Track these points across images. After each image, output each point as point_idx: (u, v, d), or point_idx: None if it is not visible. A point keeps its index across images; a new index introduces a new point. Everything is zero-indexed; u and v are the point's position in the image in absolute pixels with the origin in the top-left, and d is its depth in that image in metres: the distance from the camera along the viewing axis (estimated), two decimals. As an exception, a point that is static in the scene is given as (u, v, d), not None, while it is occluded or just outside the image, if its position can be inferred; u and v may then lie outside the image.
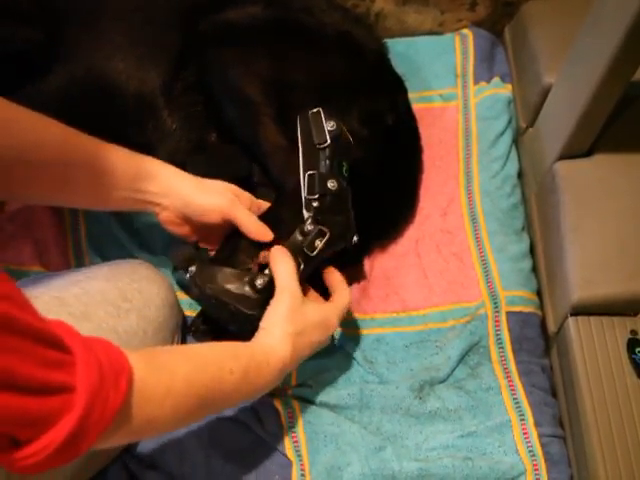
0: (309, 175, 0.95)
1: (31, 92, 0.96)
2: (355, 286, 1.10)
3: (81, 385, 0.57)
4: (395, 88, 1.15)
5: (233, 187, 0.94)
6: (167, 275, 1.00)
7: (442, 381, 1.02)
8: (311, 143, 0.96)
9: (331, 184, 0.94)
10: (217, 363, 0.77)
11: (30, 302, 0.57)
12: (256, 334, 0.86)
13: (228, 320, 0.91)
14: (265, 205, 0.97)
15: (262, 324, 0.86)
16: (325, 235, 0.92)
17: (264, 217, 0.94)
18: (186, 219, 0.92)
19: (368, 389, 1.00)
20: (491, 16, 1.31)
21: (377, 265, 1.12)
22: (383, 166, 1.10)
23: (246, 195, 0.96)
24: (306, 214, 0.93)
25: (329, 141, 0.95)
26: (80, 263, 1.09)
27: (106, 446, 0.65)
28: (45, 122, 0.82)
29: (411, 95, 1.19)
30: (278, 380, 0.85)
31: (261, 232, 0.91)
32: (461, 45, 1.28)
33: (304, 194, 0.94)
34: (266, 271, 0.89)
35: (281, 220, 0.94)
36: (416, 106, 1.20)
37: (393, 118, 1.10)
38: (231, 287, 0.88)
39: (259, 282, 0.88)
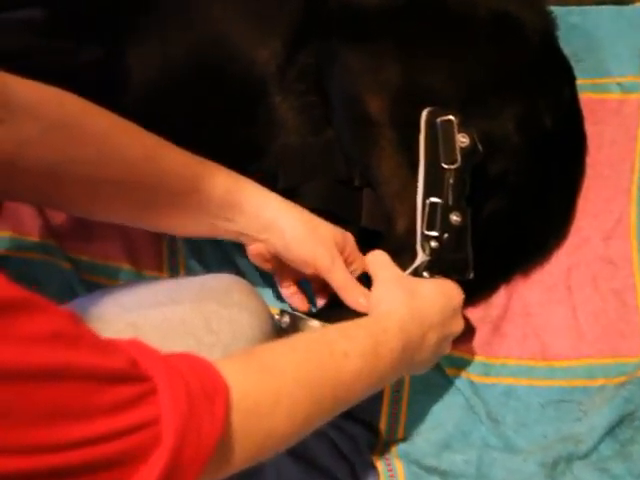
0: (430, 204, 0.79)
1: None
2: (486, 321, 0.92)
3: (167, 414, 0.49)
4: (560, 78, 0.94)
5: (339, 233, 0.81)
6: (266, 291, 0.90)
7: (582, 457, 0.84)
8: (436, 162, 0.79)
9: (455, 218, 0.79)
10: (327, 348, 0.66)
11: (85, 329, 0.49)
12: None
13: None
14: (360, 259, 0.82)
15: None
16: None
17: None
18: (276, 257, 0.81)
19: (489, 456, 0.84)
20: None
21: (516, 297, 0.94)
22: (534, 177, 0.91)
23: (351, 243, 0.82)
24: (420, 256, 0.78)
25: (460, 161, 0.78)
26: (173, 264, 0.98)
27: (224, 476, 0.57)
28: (123, 132, 0.71)
29: (581, 82, 0.98)
30: (403, 358, 0.71)
31: (359, 304, 0.78)
32: (654, 20, 1.03)
33: (420, 228, 0.79)
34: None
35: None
36: (585, 96, 0.98)
37: (553, 119, 0.90)
38: None
39: None
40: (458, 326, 0.79)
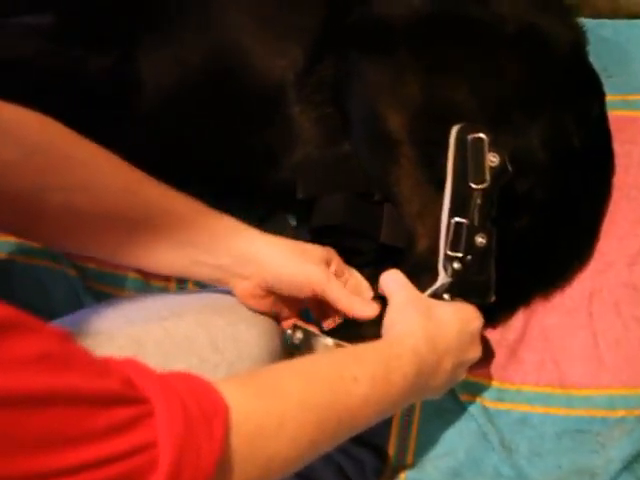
0: (456, 224, 0.75)
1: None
2: (502, 345, 0.89)
3: (163, 438, 0.47)
4: (589, 94, 0.90)
5: (323, 250, 0.77)
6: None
7: (598, 491, 0.81)
8: (464, 181, 0.76)
9: (480, 239, 0.76)
10: (336, 372, 0.63)
11: (77, 349, 0.47)
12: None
13: None
14: (354, 274, 0.79)
15: (382, 330, 0.73)
16: None
17: None
18: (270, 290, 0.76)
19: (500, 487, 0.81)
20: None
21: (535, 320, 0.90)
22: (559, 197, 0.87)
23: (336, 258, 0.79)
24: (442, 277, 0.75)
25: (488, 181, 0.74)
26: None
27: None
28: (105, 162, 0.68)
29: (611, 98, 0.93)
30: (416, 384, 0.68)
31: (363, 310, 0.75)
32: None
33: (444, 248, 0.75)
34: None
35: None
36: (614, 114, 0.94)
37: (581, 137, 0.86)
38: None
39: None
40: (475, 352, 0.76)
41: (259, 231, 0.76)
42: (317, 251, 0.77)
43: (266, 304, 0.79)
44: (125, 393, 0.47)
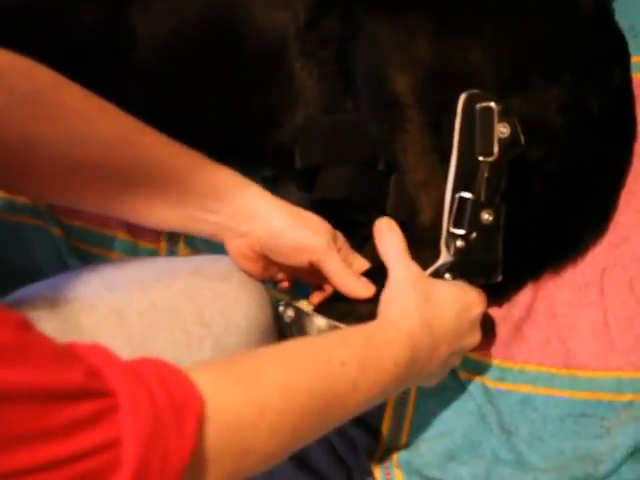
0: (460, 199, 0.71)
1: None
2: (507, 321, 0.84)
3: (128, 435, 0.44)
4: (612, 56, 0.83)
5: (329, 226, 0.74)
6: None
7: (601, 479, 0.77)
8: (470, 152, 0.70)
9: (487, 216, 0.71)
10: (322, 357, 0.60)
11: (35, 339, 0.44)
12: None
13: None
14: (358, 259, 0.76)
15: (378, 309, 0.70)
16: None
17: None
18: (262, 254, 0.73)
19: (497, 472, 0.78)
20: None
21: (543, 296, 0.85)
22: (573, 165, 0.82)
23: (341, 239, 0.75)
24: (444, 256, 0.71)
25: (497, 154, 0.69)
26: (172, 235, 0.90)
27: None
28: (99, 111, 0.65)
29: (636, 59, 0.86)
30: (409, 371, 0.65)
31: (357, 289, 0.71)
32: None
33: (446, 224, 0.71)
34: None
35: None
36: (639, 76, 0.87)
37: (601, 103, 0.79)
38: None
39: None
40: (473, 339, 0.72)
41: (263, 189, 0.73)
42: (323, 223, 0.74)
43: (257, 268, 0.76)
44: (87, 386, 0.44)
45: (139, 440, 0.43)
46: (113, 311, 0.70)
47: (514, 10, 0.76)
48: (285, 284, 0.80)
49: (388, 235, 0.73)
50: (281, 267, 0.77)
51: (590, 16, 0.80)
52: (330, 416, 0.60)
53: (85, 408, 0.42)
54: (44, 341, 0.44)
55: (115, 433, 0.43)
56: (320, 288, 0.78)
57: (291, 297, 0.79)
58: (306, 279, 0.80)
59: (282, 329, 0.74)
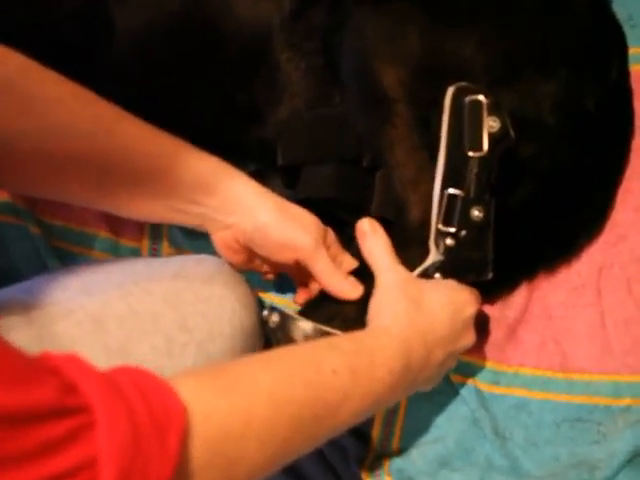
0: (449, 196, 0.69)
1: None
2: (501, 323, 0.82)
3: (105, 454, 0.42)
4: (609, 50, 0.81)
5: (319, 222, 0.72)
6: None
7: (598, 486, 0.76)
8: (459, 148, 0.69)
9: (477, 213, 0.70)
10: (312, 364, 0.58)
11: (3, 353, 0.41)
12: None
13: None
14: (348, 259, 0.74)
15: (368, 316, 0.68)
16: None
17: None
18: (247, 246, 0.72)
19: (491, 479, 0.75)
20: None
21: (538, 297, 0.83)
22: (568, 162, 0.79)
23: (331, 236, 0.74)
24: (433, 255, 0.69)
25: (486, 149, 0.67)
26: (155, 233, 0.88)
27: None
28: (74, 99, 0.63)
29: (634, 51, 0.84)
30: (404, 379, 0.63)
31: (345, 289, 0.70)
32: None
33: (435, 222, 0.69)
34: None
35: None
36: (637, 68, 0.84)
37: (596, 100, 0.77)
38: None
39: None
40: (468, 340, 0.70)
41: (250, 179, 0.71)
42: (313, 220, 0.72)
43: (241, 259, 0.75)
44: (61, 402, 0.41)
45: (117, 459, 0.41)
46: (90, 317, 0.68)
47: (508, 1, 0.73)
48: (270, 276, 0.79)
49: (372, 238, 0.71)
50: (266, 261, 0.75)
51: (586, 7, 0.77)
52: (321, 427, 0.58)
53: (59, 427, 0.40)
54: (11, 356, 0.42)
55: (91, 452, 0.41)
56: (306, 285, 0.76)
57: (275, 291, 0.79)
58: (292, 275, 0.78)
59: (267, 334, 0.72)
